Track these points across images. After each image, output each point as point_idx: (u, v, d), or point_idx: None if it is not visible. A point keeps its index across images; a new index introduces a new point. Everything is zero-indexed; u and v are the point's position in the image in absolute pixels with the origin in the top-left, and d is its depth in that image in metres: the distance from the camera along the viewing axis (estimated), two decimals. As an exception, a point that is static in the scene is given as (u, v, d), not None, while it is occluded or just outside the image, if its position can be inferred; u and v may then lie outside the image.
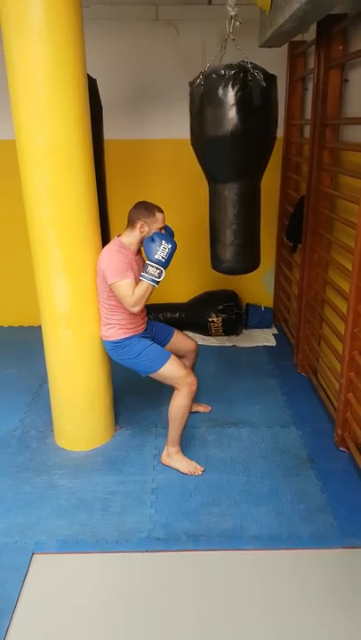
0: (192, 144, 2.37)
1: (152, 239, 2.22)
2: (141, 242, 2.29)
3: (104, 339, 2.40)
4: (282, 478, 2.37)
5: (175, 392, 2.35)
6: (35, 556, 1.96)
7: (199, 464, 2.44)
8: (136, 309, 2.21)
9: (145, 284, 2.19)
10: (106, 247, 2.30)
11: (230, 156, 2.25)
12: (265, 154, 2.34)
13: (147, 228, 2.26)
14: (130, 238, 2.30)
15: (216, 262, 2.48)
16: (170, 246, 2.21)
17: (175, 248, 2.24)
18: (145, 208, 2.28)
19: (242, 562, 1.95)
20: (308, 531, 2.06)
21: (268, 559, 1.95)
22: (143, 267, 2.24)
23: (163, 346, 2.47)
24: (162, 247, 2.19)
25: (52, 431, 2.70)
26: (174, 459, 2.43)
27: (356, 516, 2.13)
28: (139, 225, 2.26)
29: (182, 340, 2.60)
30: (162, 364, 2.30)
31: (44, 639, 1.67)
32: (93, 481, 2.37)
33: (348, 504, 2.20)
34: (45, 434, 2.72)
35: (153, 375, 2.35)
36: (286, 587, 1.84)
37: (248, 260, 2.46)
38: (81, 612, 1.76)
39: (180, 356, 2.47)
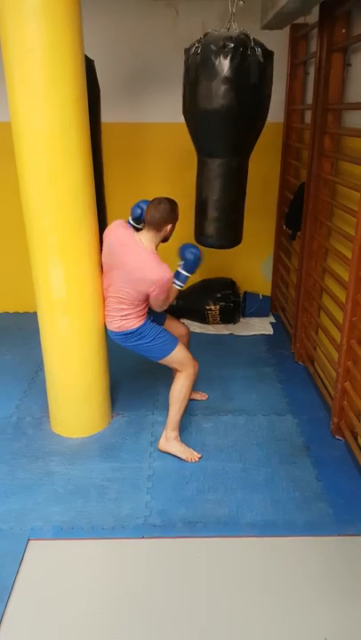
0: (183, 114, 2.33)
1: (194, 255, 2.30)
2: (162, 240, 2.27)
3: (119, 330, 2.34)
4: (278, 466, 2.37)
5: (178, 374, 2.38)
6: (30, 542, 1.96)
7: (196, 451, 2.44)
8: (163, 309, 2.34)
9: (176, 289, 2.32)
10: (145, 257, 2.18)
11: (221, 131, 2.22)
12: (256, 131, 2.31)
13: (171, 229, 2.25)
14: (155, 241, 2.24)
15: (198, 235, 2.50)
16: (201, 261, 2.34)
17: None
18: (173, 211, 2.22)
19: (237, 548, 1.95)
20: (303, 518, 2.07)
21: (263, 546, 1.96)
22: (176, 274, 2.31)
23: None
24: (198, 263, 2.32)
25: (49, 418, 2.69)
26: (172, 444, 2.43)
27: (351, 503, 2.14)
28: (167, 228, 2.22)
29: (174, 325, 2.62)
30: (173, 348, 2.35)
31: (40, 625, 1.68)
32: (89, 467, 2.37)
33: (344, 492, 2.21)
34: (41, 420, 2.71)
35: (165, 358, 2.36)
36: (282, 573, 1.85)
37: (229, 236, 2.48)
38: (76, 598, 1.77)
39: None
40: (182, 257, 2.33)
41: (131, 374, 3.00)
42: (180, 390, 2.37)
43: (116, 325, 2.35)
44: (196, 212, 2.47)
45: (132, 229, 2.31)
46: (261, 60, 2.06)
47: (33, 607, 1.73)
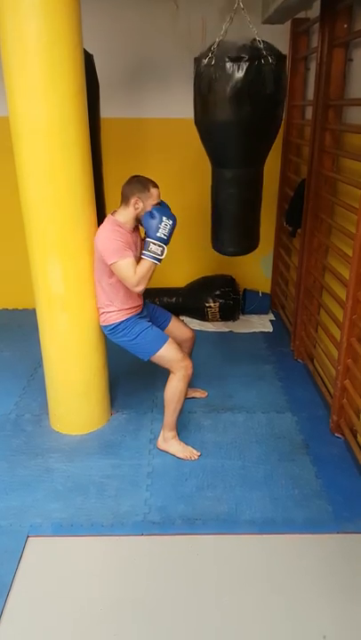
0: (196, 124, 2.31)
1: (151, 215, 2.15)
2: (137, 219, 2.23)
3: (102, 323, 2.36)
4: (277, 463, 2.37)
5: (170, 376, 2.33)
6: (29, 539, 1.96)
7: (195, 449, 2.43)
8: (139, 289, 2.16)
9: (147, 262, 2.14)
10: (101, 227, 2.24)
11: (235, 143, 2.20)
12: (270, 140, 2.30)
13: (141, 205, 2.19)
14: (124, 216, 2.23)
15: (216, 244, 2.50)
16: (170, 222, 2.16)
17: (175, 223, 2.19)
18: (139, 183, 2.19)
19: (237, 545, 1.95)
20: (302, 515, 2.07)
21: (262, 543, 1.96)
22: (143, 244, 2.18)
23: None
24: (163, 224, 2.13)
25: (48, 415, 2.68)
26: (170, 443, 2.43)
27: (350, 501, 2.14)
28: (133, 201, 2.19)
29: (179, 328, 2.57)
30: (160, 346, 2.28)
31: (39, 622, 1.68)
32: (89, 464, 2.37)
33: (343, 490, 2.21)
34: (40, 417, 2.71)
35: (151, 357, 2.33)
36: (281, 570, 1.85)
37: (247, 244, 2.47)
38: (76, 594, 1.77)
39: None
40: (143, 219, 2.19)
41: (130, 372, 2.99)
42: (173, 392, 2.33)
43: (101, 319, 2.35)
44: (212, 220, 2.46)
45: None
46: (275, 67, 2.04)
47: (32, 604, 1.73)
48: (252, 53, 2.00)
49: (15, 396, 2.91)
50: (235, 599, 1.75)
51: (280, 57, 2.09)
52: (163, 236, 2.14)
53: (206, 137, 2.29)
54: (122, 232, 2.21)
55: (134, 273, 2.13)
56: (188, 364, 2.33)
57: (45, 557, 1.91)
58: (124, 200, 2.22)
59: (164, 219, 2.14)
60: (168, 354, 2.29)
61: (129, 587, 1.80)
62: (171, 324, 2.53)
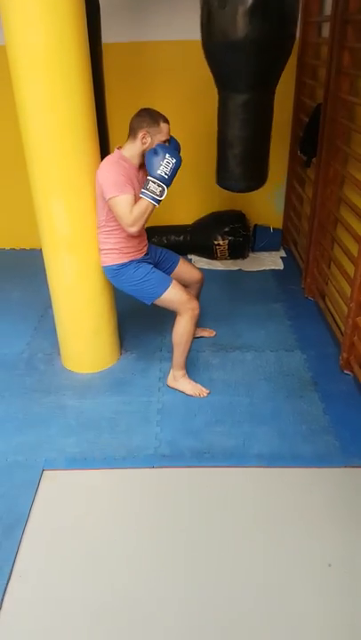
0: (203, 44, 2.12)
1: (155, 152, 2.05)
2: (143, 155, 2.12)
3: (103, 264, 2.32)
4: (285, 400, 2.40)
5: (177, 317, 2.32)
6: (45, 472, 2.04)
7: (204, 386, 2.46)
8: (134, 229, 2.08)
9: (145, 202, 2.05)
10: (105, 159, 2.13)
11: (246, 63, 2.01)
12: (281, 63, 2.11)
13: (149, 139, 2.08)
14: (131, 150, 2.13)
15: (221, 178, 2.35)
16: (174, 161, 2.05)
17: (180, 164, 2.08)
18: (149, 116, 2.08)
19: (244, 478, 2.02)
20: (309, 450, 2.12)
21: (270, 476, 2.02)
22: (144, 183, 2.09)
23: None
24: (165, 161, 2.03)
25: (59, 354, 2.72)
26: (180, 382, 2.46)
27: (357, 437, 2.17)
28: (140, 135, 2.08)
29: (188, 270, 2.51)
30: (164, 290, 2.25)
31: (55, 552, 1.77)
32: (100, 401, 2.42)
33: (351, 425, 2.23)
34: (52, 356, 2.75)
35: (155, 301, 2.30)
36: (288, 502, 1.92)
37: (255, 177, 2.31)
38: (90, 526, 1.86)
39: (184, 286, 2.38)
40: (147, 157, 2.08)
41: (138, 313, 2.97)
42: (181, 334, 2.32)
43: (101, 260, 2.31)
44: (219, 152, 2.29)
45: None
46: None
47: (48, 535, 1.82)
48: None
49: (27, 336, 2.94)
50: (242, 529, 1.83)
51: None
52: (164, 174, 2.03)
53: (212, 57, 2.11)
54: (126, 166, 2.11)
55: (130, 212, 2.05)
56: (194, 305, 2.30)
57: (60, 490, 2.00)
58: (132, 133, 2.11)
59: (167, 156, 2.03)
60: (173, 296, 2.26)
61: (141, 518, 1.88)
62: (178, 266, 2.48)
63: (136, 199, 2.08)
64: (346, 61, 2.54)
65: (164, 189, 2.05)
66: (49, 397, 2.46)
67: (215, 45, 2.04)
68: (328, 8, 2.77)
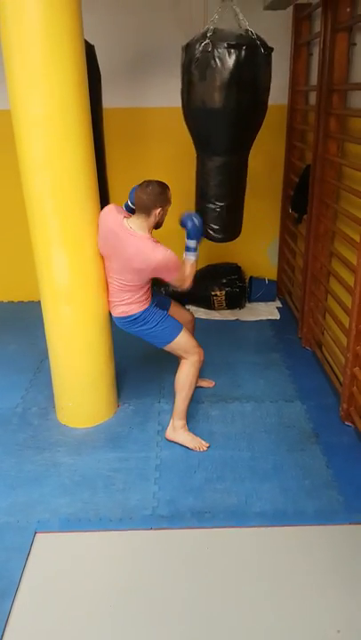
0: (183, 110, 2.29)
1: (191, 220, 2.26)
2: (155, 225, 2.20)
3: (122, 315, 2.31)
4: (286, 453, 2.34)
5: (182, 362, 2.34)
6: (37, 535, 1.95)
7: (203, 440, 2.41)
8: (189, 285, 2.30)
9: (194, 262, 2.28)
10: (142, 244, 2.11)
11: (221, 130, 2.18)
12: (256, 128, 2.28)
13: (162, 213, 2.17)
14: (146, 227, 2.15)
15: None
16: (198, 220, 2.28)
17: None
18: (162, 194, 2.11)
19: (247, 539, 1.93)
20: (313, 507, 2.04)
21: (273, 536, 1.94)
22: (186, 247, 2.28)
23: None
24: (198, 226, 2.27)
25: (54, 408, 2.67)
26: (179, 433, 2.41)
27: (362, 491, 2.11)
28: (156, 212, 2.13)
29: (179, 311, 2.58)
30: (177, 333, 2.31)
31: (48, 620, 1.66)
32: (96, 458, 2.35)
33: (354, 479, 2.18)
34: (47, 410, 2.69)
35: (166, 346, 2.33)
36: (292, 563, 1.83)
37: (229, 230, 2.47)
38: (85, 591, 1.75)
39: None
40: (183, 225, 2.29)
41: (136, 362, 2.97)
42: (185, 378, 2.33)
43: (119, 311, 2.32)
44: (196, 207, 2.45)
45: (122, 215, 2.21)
46: (264, 57, 2.03)
47: (41, 601, 1.72)
48: (241, 41, 1.98)
49: (22, 390, 2.89)
50: (246, 594, 1.73)
51: (267, 49, 2.07)
52: (199, 238, 2.30)
53: (190, 122, 2.29)
54: (168, 251, 2.15)
55: (187, 275, 2.27)
56: (201, 350, 2.36)
57: (54, 554, 1.90)
58: (144, 210, 2.12)
59: (195, 221, 2.27)
60: (184, 341, 2.32)
61: (138, 582, 1.78)
62: (171, 308, 2.53)
63: None
64: (333, 126, 2.69)
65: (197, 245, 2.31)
66: (43, 454, 2.39)
67: (194, 112, 2.20)
68: (314, 79, 2.95)
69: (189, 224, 2.26)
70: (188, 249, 2.29)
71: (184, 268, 2.25)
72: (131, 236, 2.13)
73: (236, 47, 1.98)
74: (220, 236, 2.44)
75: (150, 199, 2.09)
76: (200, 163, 2.37)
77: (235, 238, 2.52)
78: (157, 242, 2.17)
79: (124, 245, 2.14)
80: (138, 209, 2.14)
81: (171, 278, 2.22)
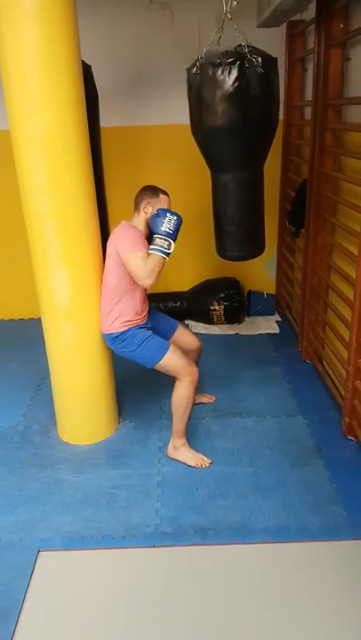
0: (192, 132, 2.31)
1: (157, 214, 2.21)
2: (147, 225, 2.25)
3: (105, 332, 2.34)
4: (289, 469, 2.33)
5: (176, 383, 2.30)
6: (40, 553, 1.93)
7: (205, 456, 2.40)
8: (148, 282, 2.15)
9: (155, 256, 2.15)
10: (119, 226, 2.28)
11: (230, 147, 2.20)
12: (266, 142, 2.28)
13: (150, 208, 2.24)
14: (137, 223, 2.28)
15: (221, 250, 2.49)
16: (175, 217, 2.19)
17: (181, 220, 2.21)
18: (150, 189, 2.28)
19: (251, 555, 1.91)
20: (317, 522, 2.03)
21: (277, 552, 1.92)
22: (151, 241, 2.21)
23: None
24: (167, 219, 2.18)
25: (55, 425, 2.66)
26: (180, 451, 2.40)
27: (365, 505, 2.10)
28: (142, 206, 2.25)
29: (185, 337, 2.53)
30: (162, 355, 2.25)
31: (52, 639, 1.64)
32: (98, 475, 2.34)
33: (358, 494, 2.16)
34: (48, 428, 2.69)
35: (155, 366, 2.30)
36: (297, 580, 1.81)
37: (252, 247, 2.44)
38: (89, 610, 1.74)
39: None
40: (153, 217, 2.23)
41: (136, 379, 2.97)
42: (179, 400, 2.30)
43: (103, 326, 2.34)
44: (215, 226, 2.46)
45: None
46: (262, 69, 2.03)
47: (45, 620, 1.70)
48: (235, 57, 2.00)
49: (23, 407, 2.89)
50: (251, 611, 1.71)
51: (268, 59, 2.08)
52: (168, 229, 2.17)
53: (200, 143, 2.30)
54: (139, 231, 2.25)
55: (145, 265, 2.14)
56: (193, 370, 2.30)
57: (57, 573, 1.88)
58: (136, 207, 2.29)
59: (168, 214, 2.19)
60: (171, 362, 2.26)
61: (142, 600, 1.76)
62: (177, 332, 2.50)
63: None
64: (328, 141, 2.73)
65: (170, 243, 2.17)
66: (44, 472, 2.38)
67: (205, 132, 2.21)
68: (309, 94, 3.01)
69: (154, 219, 2.20)
70: (152, 241, 2.18)
71: (144, 259, 2.14)
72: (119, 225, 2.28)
73: (221, 65, 2.00)
74: (240, 254, 2.45)
75: (138, 195, 2.28)
76: (212, 180, 2.39)
77: (257, 255, 2.48)
78: (136, 229, 2.23)
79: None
80: (134, 208, 2.30)
81: (126, 256, 2.15)
